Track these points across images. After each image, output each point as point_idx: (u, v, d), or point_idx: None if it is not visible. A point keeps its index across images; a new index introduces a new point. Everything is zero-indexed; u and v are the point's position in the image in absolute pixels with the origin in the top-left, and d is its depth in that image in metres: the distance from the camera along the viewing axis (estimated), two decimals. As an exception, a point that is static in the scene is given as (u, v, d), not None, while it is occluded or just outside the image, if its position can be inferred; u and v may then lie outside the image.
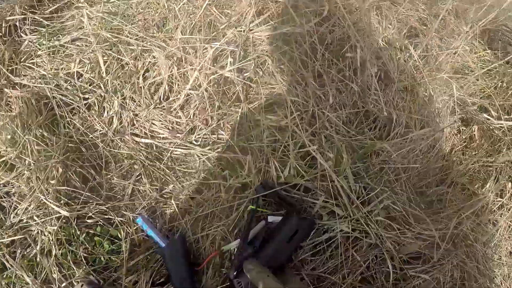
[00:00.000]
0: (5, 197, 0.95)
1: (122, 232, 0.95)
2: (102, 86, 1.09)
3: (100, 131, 1.06)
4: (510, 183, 1.31)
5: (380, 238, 1.02)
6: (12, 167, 0.96)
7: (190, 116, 1.08)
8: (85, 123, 1.06)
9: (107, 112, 1.08)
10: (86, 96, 1.09)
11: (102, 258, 0.93)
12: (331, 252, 1.01)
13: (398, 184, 1.10)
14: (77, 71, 1.10)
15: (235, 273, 0.87)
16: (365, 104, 1.14)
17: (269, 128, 1.05)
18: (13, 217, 0.92)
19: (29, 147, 0.96)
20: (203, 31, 1.11)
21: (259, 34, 1.18)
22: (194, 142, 1.07)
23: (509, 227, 1.33)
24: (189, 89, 1.07)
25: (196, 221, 0.98)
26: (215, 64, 1.11)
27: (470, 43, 1.34)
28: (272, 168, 1.00)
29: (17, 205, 0.92)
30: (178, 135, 1.07)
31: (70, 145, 1.02)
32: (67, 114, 1.05)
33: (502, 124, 1.31)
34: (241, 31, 1.13)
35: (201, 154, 1.05)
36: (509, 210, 1.22)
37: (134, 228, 0.96)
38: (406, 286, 1.11)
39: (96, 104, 1.08)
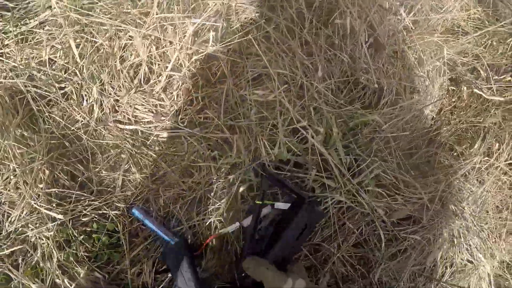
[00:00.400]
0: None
1: (119, 225, 0.95)
2: (77, 72, 1.03)
3: (82, 121, 1.02)
4: (497, 144, 1.33)
5: (371, 207, 1.05)
6: (-4, 173, 0.93)
7: (173, 98, 1.04)
8: (64, 115, 1.01)
9: (86, 101, 1.03)
10: (62, 85, 1.03)
11: (103, 254, 0.94)
12: (324, 223, 1.04)
13: (387, 152, 1.11)
14: (49, 58, 1.03)
15: (243, 274, 0.84)
16: (355, 73, 1.10)
17: (256, 105, 1.03)
18: (8, 226, 0.91)
19: (10, 151, 0.92)
20: (181, 4, 1.03)
21: (242, 1, 1.10)
22: (180, 124, 1.03)
23: (495, 184, 1.37)
24: (170, 70, 1.01)
25: (190, 205, 0.98)
26: (196, 39, 1.04)
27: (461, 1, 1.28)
28: (262, 147, 0.99)
29: (10, 213, 0.90)
30: (162, 118, 1.03)
31: (52, 141, 0.98)
32: (45, 107, 1.00)
33: (491, 86, 1.30)
34: None
35: (189, 136, 1.02)
36: (497, 168, 1.25)
37: (130, 219, 0.96)
38: (398, 245, 1.17)
39: (74, 92, 1.03)
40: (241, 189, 0.98)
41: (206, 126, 1.03)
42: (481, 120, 1.37)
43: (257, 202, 0.90)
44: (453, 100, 1.42)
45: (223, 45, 1.05)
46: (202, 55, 1.01)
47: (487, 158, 1.31)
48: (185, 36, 1.02)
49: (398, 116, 1.10)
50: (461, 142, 1.37)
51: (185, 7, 1.04)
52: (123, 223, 0.95)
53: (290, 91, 1.06)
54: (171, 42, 1.02)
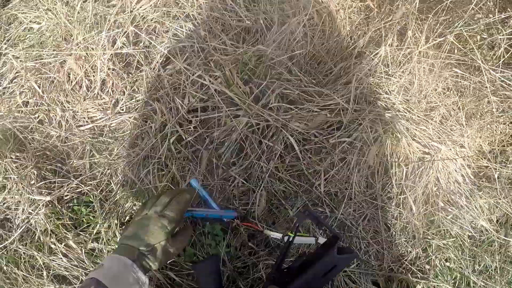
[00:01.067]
0: (6, 211, 1.26)
1: (92, 196, 1.24)
2: (44, 102, 1.38)
3: (55, 135, 1.35)
4: (410, 31, 1.38)
5: (281, 122, 1.19)
6: (3, 187, 1.28)
7: (110, 93, 1.33)
8: (42, 135, 1.36)
9: (55, 120, 1.37)
10: (36, 115, 1.39)
11: (84, 220, 1.22)
12: (244, 154, 1.21)
13: (289, 72, 1.26)
14: (23, 101, 1.40)
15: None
16: (239, 22, 1.30)
17: (167, 76, 1.28)
18: (17, 220, 1.24)
19: (9, 167, 1.28)
20: (95, 28, 1.36)
21: (142, 7, 1.39)
22: (120, 111, 1.32)
23: (427, 69, 1.40)
24: (100, 76, 1.32)
25: (138, 166, 1.24)
26: (113, 47, 1.35)
27: None
28: (178, 103, 1.22)
29: (16, 211, 1.24)
30: (108, 112, 1.33)
31: (37, 154, 1.33)
32: (28, 134, 1.36)
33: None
34: (127, 13, 1.36)
35: (129, 118, 1.30)
36: (415, 54, 1.30)
37: (99, 190, 1.24)
38: (334, 153, 1.27)
39: (45, 117, 1.38)
40: (171, 140, 1.21)
41: (139, 105, 1.30)
42: (390, 18, 1.43)
43: (290, 234, 0.91)
44: (362, 12, 1.51)
45: (136, 43, 1.34)
46: (110, 55, 1.30)
47: (401, 46, 1.36)
48: (104, 48, 1.33)
49: (282, 38, 1.25)
50: (379, 45, 1.44)
51: (101, 29, 1.36)
52: (95, 195, 1.23)
53: (192, 57, 1.29)
54: (95, 56, 1.34)
